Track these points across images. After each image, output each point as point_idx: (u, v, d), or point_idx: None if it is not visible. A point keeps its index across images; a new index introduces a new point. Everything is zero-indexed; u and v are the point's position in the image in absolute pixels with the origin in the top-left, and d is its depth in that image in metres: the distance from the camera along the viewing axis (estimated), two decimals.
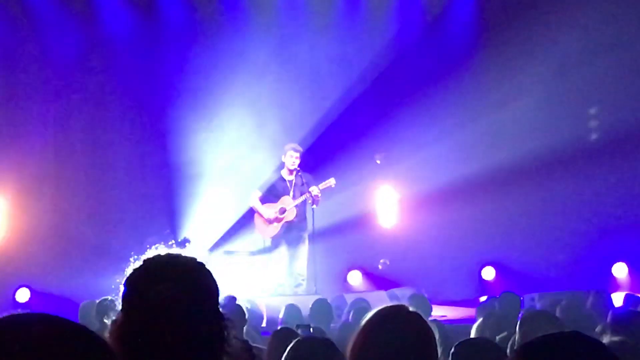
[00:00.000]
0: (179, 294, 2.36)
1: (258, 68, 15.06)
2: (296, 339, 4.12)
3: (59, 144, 15.05)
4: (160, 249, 2.53)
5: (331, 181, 12.86)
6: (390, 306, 3.07)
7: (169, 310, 2.33)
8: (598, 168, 15.11)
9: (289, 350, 3.89)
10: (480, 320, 6.64)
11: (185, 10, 15.44)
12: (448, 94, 15.46)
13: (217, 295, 2.49)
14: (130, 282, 2.46)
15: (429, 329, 2.91)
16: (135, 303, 2.40)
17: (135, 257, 2.53)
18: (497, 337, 5.87)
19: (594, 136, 15.46)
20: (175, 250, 2.65)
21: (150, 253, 2.52)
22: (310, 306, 9.42)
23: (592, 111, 15.54)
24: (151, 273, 2.44)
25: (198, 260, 2.53)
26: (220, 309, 2.45)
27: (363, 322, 2.94)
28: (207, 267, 2.52)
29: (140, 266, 2.48)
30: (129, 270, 2.49)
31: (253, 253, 13.93)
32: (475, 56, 15.65)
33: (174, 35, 15.35)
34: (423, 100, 15.46)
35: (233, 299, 8.03)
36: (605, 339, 4.73)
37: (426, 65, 15.45)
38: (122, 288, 2.47)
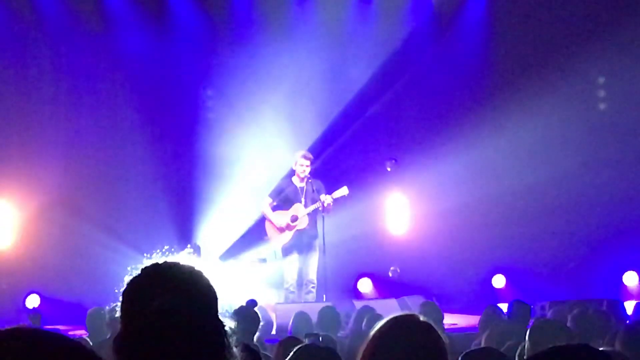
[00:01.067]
0: (177, 303, 2.34)
1: (271, 77, 15.09)
2: (298, 347, 4.09)
3: (70, 153, 15.07)
4: (162, 257, 2.50)
5: (344, 190, 12.85)
6: (402, 315, 3.05)
7: (168, 320, 2.31)
8: (610, 175, 15.08)
9: (290, 357, 3.87)
10: (488, 329, 6.62)
11: (199, 20, 15.47)
12: (460, 100, 15.46)
13: (216, 302, 2.46)
14: (128, 292, 2.44)
15: (441, 339, 2.89)
16: (134, 314, 2.38)
17: (133, 268, 2.50)
18: (504, 345, 5.83)
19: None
20: (180, 257, 2.63)
21: (148, 262, 2.49)
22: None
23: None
24: (149, 282, 2.41)
25: (196, 267, 2.50)
26: (230, 312, 2.43)
27: (374, 330, 2.92)
28: (206, 274, 2.50)
29: (138, 275, 2.45)
30: (127, 280, 2.46)
31: (264, 260, 13.91)
32: (486, 63, 15.63)
33: (187, 45, 15.37)
34: (434, 107, 15.48)
35: (254, 303, 8.00)
36: (617, 347, 4.70)
37: (438, 71, 15.44)
38: (120, 298, 2.45)
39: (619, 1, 15.36)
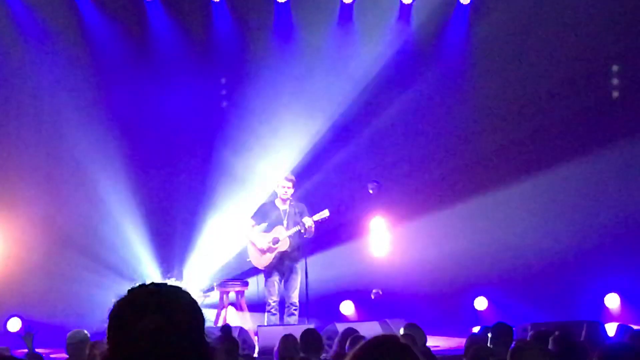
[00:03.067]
0: (164, 323, 2.35)
1: (253, 101, 15.15)
2: None
3: (50, 174, 15.02)
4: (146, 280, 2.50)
5: (325, 213, 12.88)
6: (381, 336, 3.05)
7: (154, 342, 2.32)
8: (593, 197, 15.18)
9: None
10: (471, 351, 6.64)
11: (179, 37, 15.50)
12: (443, 123, 15.52)
13: (203, 324, 2.48)
14: (114, 313, 2.44)
15: None
16: (120, 335, 2.38)
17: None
18: None
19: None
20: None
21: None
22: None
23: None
24: (136, 303, 2.42)
25: (183, 289, 2.51)
26: (210, 338, 2.44)
27: (353, 350, 2.93)
28: (192, 296, 2.51)
29: (124, 297, 2.46)
30: (113, 302, 2.47)
31: (245, 283, 13.90)
32: (469, 84, 15.72)
33: (167, 63, 15.37)
34: (418, 129, 15.53)
35: (228, 328, 8.01)
36: None
37: (421, 93, 15.46)
38: (106, 320, 2.45)
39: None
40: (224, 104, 15.62)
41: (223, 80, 15.62)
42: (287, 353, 8.19)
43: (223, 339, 7.11)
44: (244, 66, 15.43)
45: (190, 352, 2.36)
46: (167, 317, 2.36)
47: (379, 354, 2.87)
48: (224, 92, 15.60)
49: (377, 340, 2.96)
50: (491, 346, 8.05)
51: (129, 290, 2.46)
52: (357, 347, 2.92)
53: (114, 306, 2.44)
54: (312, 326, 10.18)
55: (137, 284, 2.48)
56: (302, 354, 8.07)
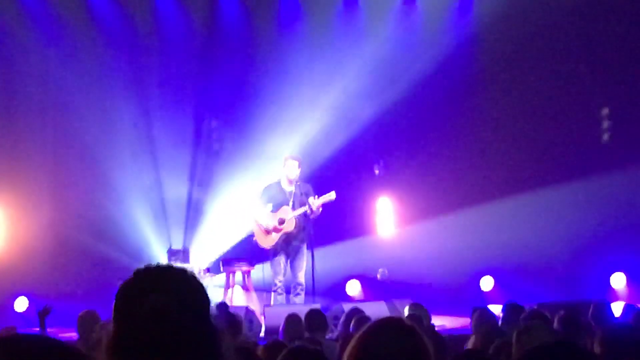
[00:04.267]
0: (170, 304, 2.36)
1: (261, 83, 15.15)
2: (285, 350, 4.08)
3: (57, 154, 15.07)
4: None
5: (331, 195, 12.83)
6: (387, 318, 3.05)
7: (161, 321, 2.33)
8: (597, 178, 15.14)
9: None
10: (479, 331, 6.64)
11: (188, 26, 15.50)
12: (449, 104, 15.48)
13: (209, 305, 2.49)
14: (121, 293, 2.46)
15: (426, 343, 2.89)
16: (127, 314, 2.40)
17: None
18: (492, 346, 5.85)
19: (605, 137, 15.41)
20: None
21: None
22: None
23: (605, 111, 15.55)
24: (142, 284, 2.44)
25: (189, 270, 2.53)
26: (212, 318, 2.45)
27: (359, 332, 2.93)
28: (198, 277, 2.52)
29: (131, 277, 2.48)
30: (120, 282, 2.49)
31: (251, 262, 13.93)
32: (475, 63, 15.68)
33: (175, 52, 15.36)
34: (423, 110, 15.50)
35: (224, 306, 7.99)
36: (596, 348, 4.72)
37: (428, 75, 15.42)
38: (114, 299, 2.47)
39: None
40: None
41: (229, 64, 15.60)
42: (292, 333, 8.21)
43: (220, 317, 7.12)
44: (251, 50, 15.42)
45: (196, 332, 2.37)
46: (173, 298, 2.38)
47: (385, 336, 2.87)
48: (230, 76, 15.55)
49: (382, 323, 2.96)
50: (501, 325, 8.05)
51: (135, 272, 2.48)
52: (363, 329, 2.93)
53: (120, 287, 2.46)
54: (317, 306, 10.20)
55: (144, 265, 2.50)
56: (307, 334, 8.08)
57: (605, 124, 15.41)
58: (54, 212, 14.84)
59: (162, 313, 2.34)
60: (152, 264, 2.51)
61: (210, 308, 2.49)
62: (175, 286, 2.43)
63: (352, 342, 2.89)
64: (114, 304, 2.46)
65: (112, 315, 2.43)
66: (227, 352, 2.44)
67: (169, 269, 2.50)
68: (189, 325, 2.37)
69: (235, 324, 7.68)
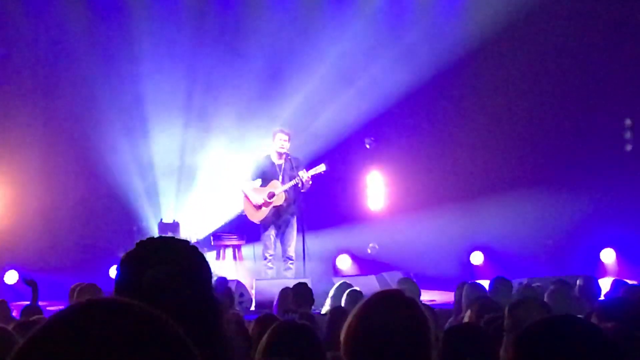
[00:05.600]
0: (173, 277, 2.36)
1: (250, 54, 15.07)
2: (275, 324, 4.09)
3: (48, 131, 15.04)
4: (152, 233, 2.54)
5: (321, 167, 12.82)
6: (387, 290, 3.06)
7: (163, 292, 2.33)
8: (588, 152, 15.18)
9: (267, 335, 3.87)
10: (471, 305, 6.67)
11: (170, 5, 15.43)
12: (441, 78, 15.41)
13: (211, 278, 2.50)
14: (124, 265, 2.46)
15: (425, 315, 2.91)
16: (129, 287, 2.40)
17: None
18: (482, 321, 5.88)
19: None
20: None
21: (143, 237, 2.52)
22: None
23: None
24: (145, 256, 2.44)
25: (190, 242, 2.54)
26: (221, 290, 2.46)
27: (358, 305, 2.93)
28: (199, 249, 2.53)
29: (134, 249, 2.48)
30: (122, 253, 2.49)
31: (242, 236, 13.95)
32: (468, 40, 15.63)
33: (162, 31, 15.25)
34: (415, 84, 15.45)
35: (224, 281, 8.04)
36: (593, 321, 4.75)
37: (419, 49, 15.37)
38: (115, 271, 2.47)
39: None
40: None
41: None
42: (286, 306, 8.25)
43: (218, 291, 7.16)
44: (242, 21, 15.33)
45: (198, 303, 2.37)
46: (176, 269, 2.38)
47: (385, 308, 2.88)
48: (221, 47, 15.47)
49: (382, 295, 2.97)
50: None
51: (137, 243, 2.48)
52: (362, 302, 2.93)
53: (122, 258, 2.45)
54: (306, 280, 10.23)
55: (146, 237, 2.51)
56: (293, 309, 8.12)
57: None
58: (43, 186, 14.81)
59: (164, 285, 2.34)
60: (153, 236, 2.51)
61: (212, 280, 2.49)
62: (177, 258, 2.43)
63: (352, 315, 2.89)
64: (116, 274, 2.46)
65: (114, 286, 2.43)
66: (227, 324, 2.44)
67: (171, 240, 2.51)
68: (191, 296, 2.37)
69: (229, 298, 7.71)
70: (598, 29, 14.97)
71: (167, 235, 2.53)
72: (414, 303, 2.93)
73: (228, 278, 11.65)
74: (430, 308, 6.71)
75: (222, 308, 2.44)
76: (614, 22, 14.99)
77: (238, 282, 11.78)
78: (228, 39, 15.28)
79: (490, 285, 9.25)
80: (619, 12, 15.00)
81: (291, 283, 9.80)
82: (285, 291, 8.90)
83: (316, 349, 3.84)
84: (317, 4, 15.59)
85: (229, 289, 7.59)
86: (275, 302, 8.73)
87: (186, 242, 2.53)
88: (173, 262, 2.40)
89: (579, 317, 1.89)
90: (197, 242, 13.94)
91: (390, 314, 2.84)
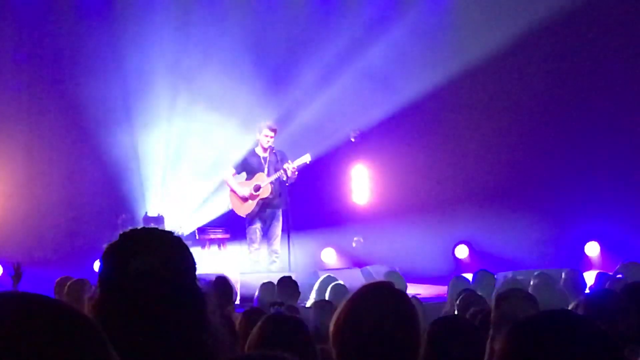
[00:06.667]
0: (157, 267, 2.35)
1: (235, 45, 14.99)
2: (265, 317, 4.08)
3: (30, 122, 14.98)
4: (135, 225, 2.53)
5: (306, 157, 12.82)
6: (375, 282, 3.06)
7: (147, 284, 2.32)
8: (573, 146, 15.23)
9: (257, 328, 3.86)
10: (454, 297, 6.68)
11: None
12: (428, 72, 15.39)
13: (195, 269, 2.48)
14: (107, 257, 2.44)
15: (414, 307, 2.91)
16: (113, 278, 2.38)
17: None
18: (468, 313, 5.89)
19: None
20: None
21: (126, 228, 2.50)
22: None
23: None
24: (128, 247, 2.43)
25: (175, 233, 2.52)
26: (201, 284, 2.44)
27: (347, 298, 2.93)
28: (184, 240, 2.52)
29: (117, 241, 2.46)
30: (106, 246, 2.47)
31: (227, 230, 13.92)
32: (453, 32, 15.63)
33: (144, 17, 15.17)
34: (401, 77, 15.44)
35: (223, 278, 8.01)
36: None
37: (406, 42, 15.36)
38: (98, 263, 2.45)
39: None
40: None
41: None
42: (269, 299, 8.25)
43: (219, 287, 7.16)
44: (229, 13, 15.26)
45: (182, 294, 2.36)
46: (159, 260, 2.36)
47: (375, 300, 2.87)
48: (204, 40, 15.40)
49: (372, 287, 2.96)
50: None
51: (120, 234, 2.46)
52: (353, 293, 2.93)
53: (106, 249, 2.44)
54: (291, 274, 10.23)
55: (129, 228, 2.49)
56: (279, 301, 8.12)
57: None
58: (27, 180, 14.75)
59: (148, 275, 2.32)
60: (137, 227, 2.49)
61: (196, 270, 2.48)
62: (160, 248, 2.42)
63: (341, 307, 2.89)
64: (99, 266, 2.44)
65: (98, 278, 2.41)
66: (212, 314, 2.42)
67: (154, 231, 2.50)
68: (175, 287, 2.35)
69: (228, 294, 7.68)
70: (596, 32, 15.01)
71: (150, 227, 2.51)
72: (403, 295, 2.93)
73: (213, 271, 11.64)
74: (419, 300, 6.73)
75: (207, 298, 2.43)
76: (613, 22, 15.04)
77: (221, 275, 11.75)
78: (213, 30, 15.17)
79: (473, 278, 9.29)
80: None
81: (277, 276, 9.80)
82: (265, 285, 8.92)
83: (307, 342, 3.84)
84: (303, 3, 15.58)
85: (229, 285, 7.57)
86: (255, 296, 8.74)
87: (169, 232, 2.51)
88: (156, 253, 2.39)
89: (575, 313, 1.87)
90: (182, 235, 13.90)
91: (380, 306, 2.84)
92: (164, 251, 2.41)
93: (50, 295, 1.49)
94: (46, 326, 1.33)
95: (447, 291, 8.94)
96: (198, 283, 2.44)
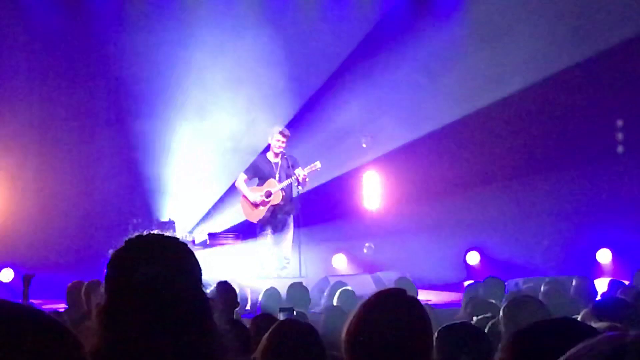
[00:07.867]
0: (163, 274, 2.35)
1: (247, 51, 14.97)
2: (277, 323, 4.07)
3: (43, 126, 14.99)
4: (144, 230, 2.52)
5: (317, 164, 12.82)
6: (389, 289, 3.06)
7: (153, 290, 2.32)
8: (585, 153, 15.18)
9: (270, 334, 3.85)
10: (464, 304, 6.67)
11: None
12: (438, 78, 15.37)
13: (200, 274, 2.49)
14: (113, 263, 2.45)
15: (427, 314, 2.91)
16: (119, 284, 2.39)
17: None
18: (475, 318, 5.89)
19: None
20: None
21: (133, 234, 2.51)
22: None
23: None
24: (134, 254, 2.43)
25: (181, 240, 2.52)
26: (205, 289, 2.45)
27: (360, 305, 2.92)
28: (190, 247, 2.52)
29: (123, 247, 2.47)
30: (112, 252, 2.47)
31: (238, 236, 13.93)
32: (462, 38, 15.60)
33: (153, 16, 15.17)
34: (411, 84, 15.42)
35: (225, 283, 8.00)
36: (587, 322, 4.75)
37: (415, 48, 15.34)
38: (105, 270, 2.46)
39: None
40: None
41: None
42: (269, 305, 8.26)
43: (221, 292, 7.15)
44: (237, 19, 15.25)
45: (188, 301, 2.36)
46: (165, 266, 2.37)
47: (387, 307, 2.87)
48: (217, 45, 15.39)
49: (384, 294, 2.96)
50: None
51: (126, 240, 2.46)
52: (365, 300, 2.92)
53: (112, 255, 2.44)
54: (300, 280, 10.23)
55: (135, 234, 2.49)
56: (289, 306, 8.11)
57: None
58: (39, 184, 14.77)
59: (154, 282, 2.33)
60: (143, 233, 2.50)
61: (202, 277, 2.48)
62: (166, 255, 2.42)
63: (354, 314, 2.88)
64: (105, 272, 2.44)
65: (104, 285, 2.42)
66: (219, 320, 2.43)
67: (160, 237, 2.50)
68: (181, 293, 2.36)
69: (234, 298, 7.68)
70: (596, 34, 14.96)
71: (155, 232, 2.51)
72: (416, 303, 2.93)
73: (224, 278, 11.63)
74: (431, 307, 6.71)
75: (213, 304, 2.44)
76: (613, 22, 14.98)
77: (234, 282, 11.74)
78: (217, 34, 15.12)
79: (482, 285, 9.27)
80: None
81: (287, 283, 9.81)
82: (269, 291, 8.92)
83: (318, 349, 3.83)
84: (316, 5, 15.55)
85: (232, 290, 7.56)
86: (259, 302, 8.75)
87: (175, 238, 2.51)
88: (160, 259, 2.39)
89: (576, 320, 1.87)
90: (189, 241, 13.91)
91: (393, 313, 2.84)
92: (168, 258, 2.42)
93: (62, 300, 1.50)
94: (11, 331, 1.34)
95: (463, 298, 8.93)
96: (203, 289, 2.44)
